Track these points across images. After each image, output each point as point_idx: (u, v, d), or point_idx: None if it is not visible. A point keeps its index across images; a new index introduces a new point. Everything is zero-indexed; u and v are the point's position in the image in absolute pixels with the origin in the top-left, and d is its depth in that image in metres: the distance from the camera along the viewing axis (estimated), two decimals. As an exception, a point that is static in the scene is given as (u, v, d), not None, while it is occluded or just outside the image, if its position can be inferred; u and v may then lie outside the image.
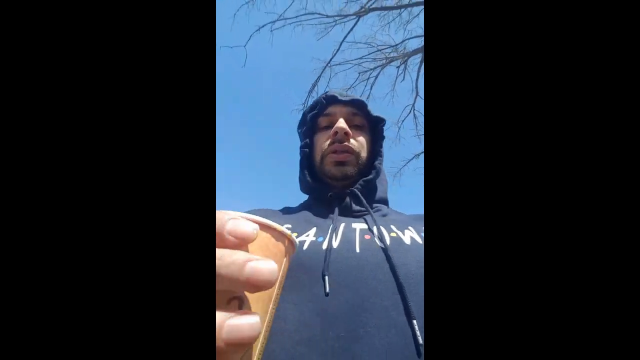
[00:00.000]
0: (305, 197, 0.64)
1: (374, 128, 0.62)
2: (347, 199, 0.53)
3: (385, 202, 0.62)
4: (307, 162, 0.62)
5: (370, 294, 0.34)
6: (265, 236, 0.22)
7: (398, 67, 5.05)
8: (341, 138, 0.56)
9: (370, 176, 0.57)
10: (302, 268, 0.38)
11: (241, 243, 0.19)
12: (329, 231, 0.43)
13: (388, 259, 0.38)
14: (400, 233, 0.45)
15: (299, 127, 0.67)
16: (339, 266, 0.38)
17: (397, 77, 5.11)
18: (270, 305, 0.23)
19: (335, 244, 0.42)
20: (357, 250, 0.41)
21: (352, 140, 0.57)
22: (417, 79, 5.04)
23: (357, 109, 0.61)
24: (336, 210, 0.49)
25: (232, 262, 0.18)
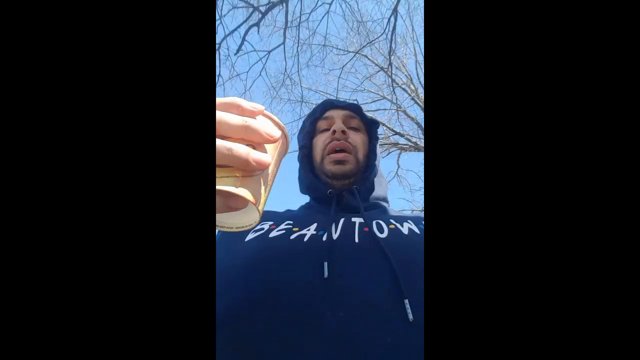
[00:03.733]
0: (306, 199, 0.66)
1: (369, 130, 0.66)
2: (346, 197, 0.55)
3: (385, 200, 0.64)
4: (308, 162, 0.65)
5: (367, 279, 0.36)
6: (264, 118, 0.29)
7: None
8: (339, 137, 0.59)
9: (367, 173, 0.59)
10: (302, 257, 0.39)
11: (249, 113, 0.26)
12: (330, 224, 0.45)
13: (384, 249, 0.39)
14: (398, 225, 0.47)
15: (298, 134, 0.71)
16: (339, 254, 0.39)
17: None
18: (273, 162, 0.28)
19: (335, 236, 0.43)
20: (357, 240, 0.42)
21: (349, 140, 0.60)
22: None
23: (353, 112, 0.65)
24: (334, 205, 0.51)
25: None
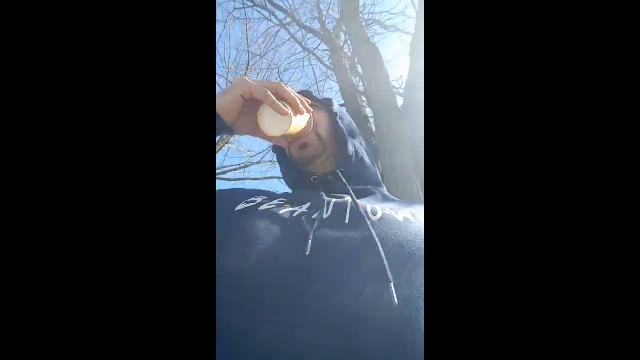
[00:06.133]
0: None
1: (326, 109, 0.64)
2: (332, 181, 0.54)
3: (379, 184, 0.62)
4: (284, 159, 0.65)
5: (352, 257, 0.36)
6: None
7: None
8: None
9: (345, 152, 0.58)
10: (290, 232, 0.40)
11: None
12: (322, 205, 0.45)
13: (372, 232, 0.38)
14: (394, 212, 0.46)
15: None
16: (325, 232, 0.39)
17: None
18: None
19: (325, 215, 0.43)
20: (347, 220, 0.42)
21: None
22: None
23: (304, 98, 0.63)
24: (322, 189, 0.51)
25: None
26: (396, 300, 0.30)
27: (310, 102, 0.61)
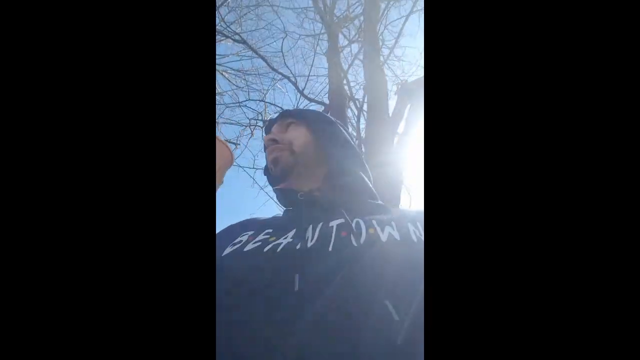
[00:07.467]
0: None
1: (309, 123, 0.64)
2: (318, 197, 0.54)
3: (371, 195, 0.61)
4: (273, 180, 0.67)
5: (339, 289, 0.37)
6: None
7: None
8: (267, 144, 0.62)
9: (332, 168, 0.58)
10: (275, 269, 0.40)
11: None
12: (304, 230, 0.46)
13: (356, 259, 0.40)
14: (379, 229, 0.46)
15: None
16: (310, 265, 0.40)
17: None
18: None
19: (310, 244, 0.44)
20: (330, 249, 0.42)
21: (279, 140, 0.60)
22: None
23: (286, 117, 0.66)
24: (303, 209, 0.51)
25: None
26: (396, 316, 0.31)
27: (293, 121, 0.63)
